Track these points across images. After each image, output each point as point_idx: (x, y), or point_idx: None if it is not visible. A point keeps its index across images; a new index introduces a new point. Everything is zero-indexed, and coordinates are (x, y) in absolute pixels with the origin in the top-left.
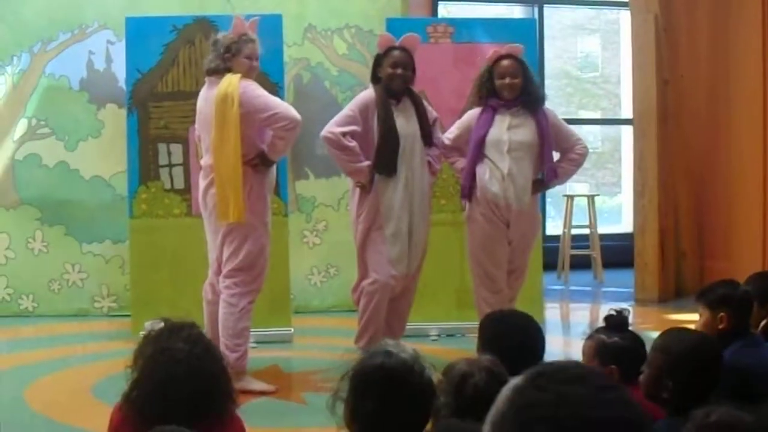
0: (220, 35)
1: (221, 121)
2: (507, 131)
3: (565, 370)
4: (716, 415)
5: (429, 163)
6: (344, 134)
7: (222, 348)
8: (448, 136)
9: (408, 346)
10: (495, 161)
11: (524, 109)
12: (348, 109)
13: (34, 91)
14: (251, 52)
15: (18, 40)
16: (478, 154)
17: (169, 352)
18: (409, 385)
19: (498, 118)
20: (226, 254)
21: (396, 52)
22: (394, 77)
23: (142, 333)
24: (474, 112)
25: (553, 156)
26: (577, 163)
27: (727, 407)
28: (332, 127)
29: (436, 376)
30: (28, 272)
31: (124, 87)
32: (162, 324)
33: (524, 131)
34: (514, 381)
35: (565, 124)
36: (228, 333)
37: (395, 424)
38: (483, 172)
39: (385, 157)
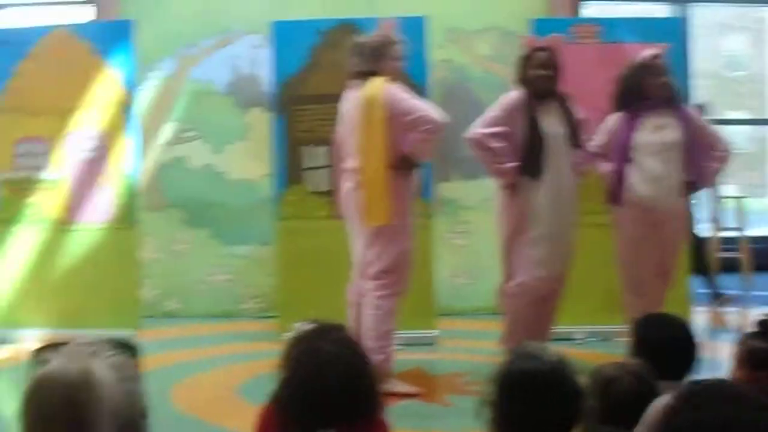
0: (364, 38)
1: (367, 124)
2: (654, 132)
3: (716, 389)
4: None
5: (576, 164)
6: (490, 135)
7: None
8: (595, 142)
9: (553, 350)
10: (643, 163)
11: (668, 109)
12: (494, 110)
13: (180, 96)
14: (398, 54)
15: (164, 45)
16: (626, 157)
17: (317, 354)
18: (557, 389)
19: (644, 119)
20: (371, 256)
21: (541, 53)
22: (540, 78)
23: (288, 334)
24: (618, 116)
25: (699, 156)
26: (724, 161)
27: None
28: (477, 128)
29: (582, 380)
30: (173, 274)
31: (269, 90)
32: (311, 325)
33: (670, 132)
34: (665, 399)
35: (707, 122)
36: (372, 335)
37: (543, 428)
38: (632, 174)
39: (530, 159)
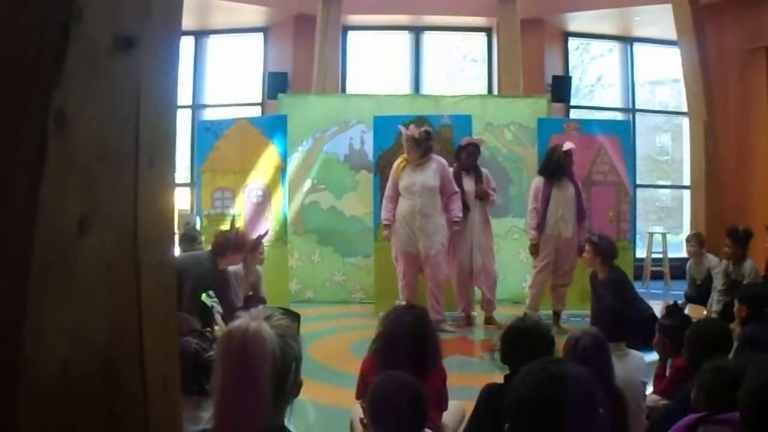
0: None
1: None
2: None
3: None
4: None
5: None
6: None
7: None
8: None
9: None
10: None
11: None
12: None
13: (315, 162)
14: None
15: (306, 130)
16: None
17: (400, 321)
18: (537, 337)
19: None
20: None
21: (468, 146)
22: (462, 161)
23: (381, 313)
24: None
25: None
26: None
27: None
28: None
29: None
30: (310, 274)
31: (371, 159)
32: (404, 304)
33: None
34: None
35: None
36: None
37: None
38: None
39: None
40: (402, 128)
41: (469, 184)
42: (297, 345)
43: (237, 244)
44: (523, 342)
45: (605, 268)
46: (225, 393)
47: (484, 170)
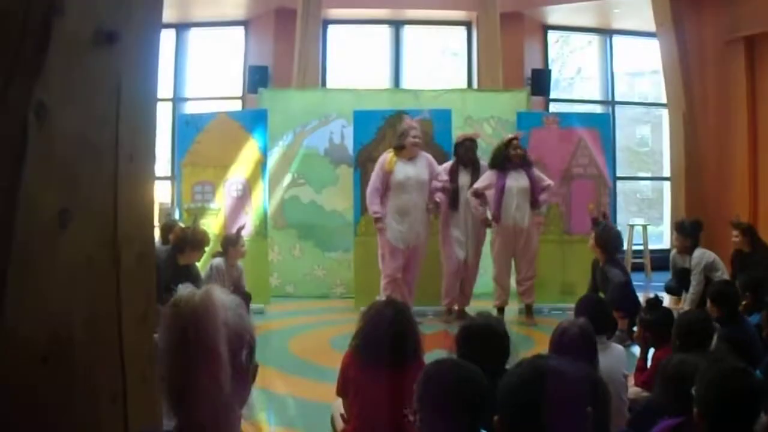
0: (398, 127)
1: None
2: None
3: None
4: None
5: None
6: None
7: None
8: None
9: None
10: None
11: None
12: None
13: (295, 157)
14: (414, 135)
15: (286, 125)
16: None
17: (381, 316)
18: (493, 336)
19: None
20: None
21: (465, 141)
22: (464, 155)
23: (362, 308)
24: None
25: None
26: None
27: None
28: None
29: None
30: (290, 269)
31: (351, 154)
32: (383, 299)
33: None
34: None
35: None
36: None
37: (488, 357)
38: None
39: (452, 196)
40: (408, 120)
41: (464, 178)
42: (249, 321)
43: (195, 241)
44: (477, 341)
45: (604, 257)
46: (177, 375)
47: (484, 165)
